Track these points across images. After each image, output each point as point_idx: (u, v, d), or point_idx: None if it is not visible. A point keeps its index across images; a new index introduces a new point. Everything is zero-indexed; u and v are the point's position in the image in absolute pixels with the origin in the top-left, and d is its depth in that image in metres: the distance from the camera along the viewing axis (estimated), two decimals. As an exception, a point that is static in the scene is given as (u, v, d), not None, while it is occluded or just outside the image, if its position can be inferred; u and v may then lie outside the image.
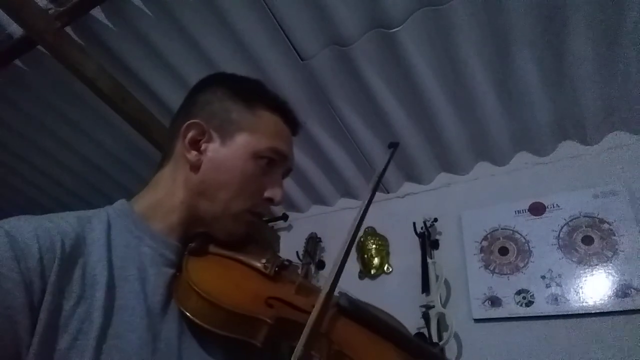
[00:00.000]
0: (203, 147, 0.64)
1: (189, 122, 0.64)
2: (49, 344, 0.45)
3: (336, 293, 0.65)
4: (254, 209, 0.65)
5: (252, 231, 0.70)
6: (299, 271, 0.73)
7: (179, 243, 0.63)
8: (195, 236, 0.64)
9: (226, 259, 0.64)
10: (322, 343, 0.55)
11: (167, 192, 0.64)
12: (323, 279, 0.59)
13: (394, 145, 0.75)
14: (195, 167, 0.63)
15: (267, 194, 0.66)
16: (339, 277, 0.59)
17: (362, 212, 0.64)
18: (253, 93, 0.68)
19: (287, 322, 0.55)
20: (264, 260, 0.64)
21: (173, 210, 0.63)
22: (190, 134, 0.64)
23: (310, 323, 0.51)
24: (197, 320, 0.53)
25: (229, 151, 0.63)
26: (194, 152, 0.63)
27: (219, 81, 0.70)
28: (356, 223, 0.63)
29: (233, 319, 0.52)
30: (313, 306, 0.54)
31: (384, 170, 0.73)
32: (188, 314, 0.53)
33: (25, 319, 0.43)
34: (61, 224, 0.52)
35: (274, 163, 0.66)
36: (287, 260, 0.68)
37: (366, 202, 0.66)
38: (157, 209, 0.63)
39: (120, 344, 0.49)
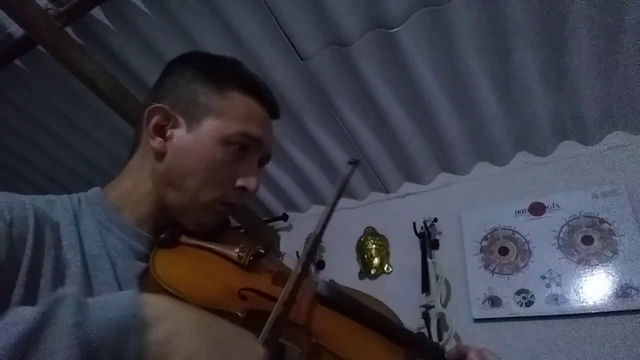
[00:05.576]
0: (168, 133, 0.60)
1: (152, 106, 0.60)
2: None
3: (322, 279, 0.63)
4: (225, 199, 0.61)
5: (227, 219, 0.67)
6: (279, 259, 0.68)
7: (152, 234, 0.60)
8: (168, 227, 0.61)
9: (198, 249, 0.61)
10: (300, 336, 0.53)
11: (134, 182, 0.62)
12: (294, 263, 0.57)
13: (353, 162, 0.70)
14: (160, 155, 0.60)
15: (239, 182, 0.61)
16: (310, 261, 0.56)
17: (325, 217, 0.61)
18: (224, 74, 0.63)
19: (261, 314, 0.52)
20: (237, 250, 0.60)
21: (141, 201, 0.61)
22: (153, 120, 0.60)
23: (275, 311, 0.49)
24: None
25: (196, 137, 0.59)
26: (158, 139, 0.60)
27: (188, 62, 0.65)
28: (323, 220, 0.61)
29: None
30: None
31: (343, 186, 0.68)
32: None
33: None
34: (34, 202, 0.50)
35: (247, 149, 0.62)
36: (264, 248, 0.65)
37: (329, 209, 0.63)
38: (126, 199, 0.61)
39: None
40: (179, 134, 0.60)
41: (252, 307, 0.52)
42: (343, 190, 0.66)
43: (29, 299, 0.44)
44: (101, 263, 0.53)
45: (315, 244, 0.59)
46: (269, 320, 0.48)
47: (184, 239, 0.61)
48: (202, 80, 0.62)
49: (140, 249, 0.58)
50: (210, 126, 0.60)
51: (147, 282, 0.54)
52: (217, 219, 0.63)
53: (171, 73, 0.65)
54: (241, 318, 0.49)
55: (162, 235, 0.60)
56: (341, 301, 0.61)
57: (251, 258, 0.60)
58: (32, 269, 0.45)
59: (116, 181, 0.64)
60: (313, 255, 0.58)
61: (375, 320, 0.62)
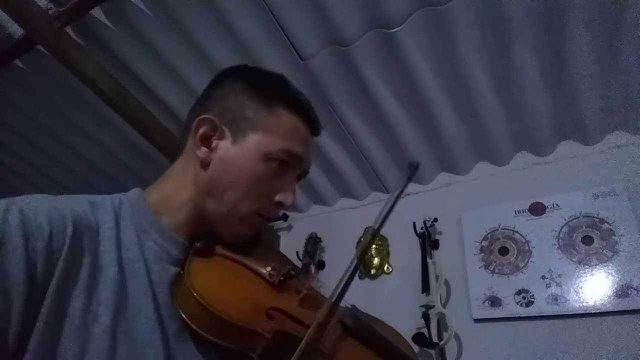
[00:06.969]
0: (214, 144, 0.62)
1: (201, 117, 0.62)
2: (54, 331, 0.43)
3: (345, 305, 0.63)
4: (263, 212, 0.63)
5: (260, 233, 0.68)
6: (308, 281, 0.69)
7: (186, 241, 0.61)
8: (203, 235, 0.62)
9: (231, 261, 0.61)
10: None
11: (176, 188, 0.63)
12: (328, 291, 0.56)
13: (415, 166, 0.70)
14: (205, 164, 0.61)
15: (277, 197, 0.63)
16: (344, 294, 0.56)
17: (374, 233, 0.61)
18: (272, 90, 0.65)
19: (287, 336, 0.52)
20: (269, 268, 0.61)
21: (181, 206, 0.62)
22: (201, 130, 0.62)
23: (307, 338, 0.49)
24: (192, 325, 0.51)
25: (240, 150, 0.61)
26: (204, 149, 0.61)
27: (237, 75, 0.67)
28: (364, 244, 0.62)
29: (229, 329, 0.50)
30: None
31: (399, 195, 0.68)
32: (184, 317, 0.52)
33: (20, 301, 0.41)
34: (75, 208, 0.50)
35: (287, 165, 0.63)
36: (295, 269, 0.66)
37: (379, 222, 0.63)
38: (166, 204, 0.62)
39: (128, 341, 0.48)
40: (224, 146, 0.62)
41: (279, 328, 0.52)
42: (396, 203, 0.68)
43: (61, 307, 0.44)
44: (137, 267, 0.53)
45: (351, 277, 0.58)
46: (300, 347, 0.48)
47: (218, 249, 0.62)
48: (251, 96, 0.63)
49: (175, 253, 0.59)
50: (255, 141, 0.61)
51: (180, 288, 0.55)
52: (252, 231, 0.64)
53: (220, 85, 0.66)
54: (267, 339, 0.50)
55: (198, 244, 0.60)
56: (363, 331, 0.62)
57: (281, 278, 0.61)
58: (65, 280, 0.45)
59: (157, 184, 0.65)
60: (349, 284, 0.58)
61: (395, 355, 0.63)
